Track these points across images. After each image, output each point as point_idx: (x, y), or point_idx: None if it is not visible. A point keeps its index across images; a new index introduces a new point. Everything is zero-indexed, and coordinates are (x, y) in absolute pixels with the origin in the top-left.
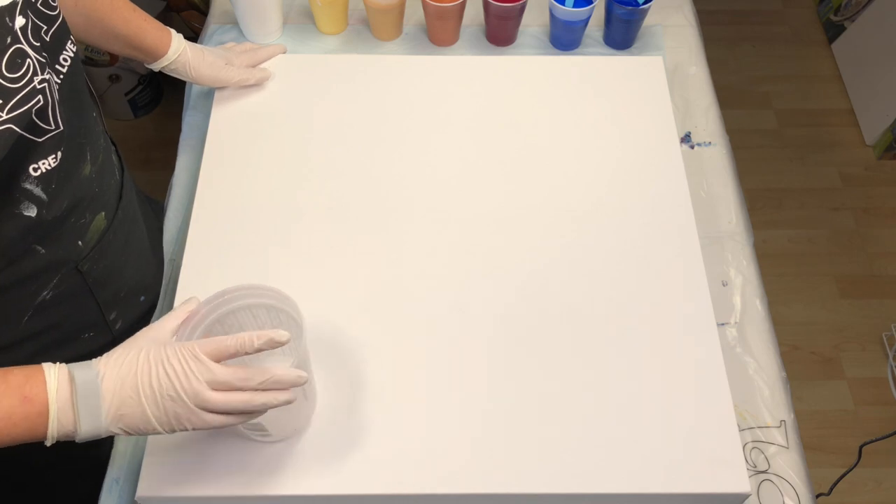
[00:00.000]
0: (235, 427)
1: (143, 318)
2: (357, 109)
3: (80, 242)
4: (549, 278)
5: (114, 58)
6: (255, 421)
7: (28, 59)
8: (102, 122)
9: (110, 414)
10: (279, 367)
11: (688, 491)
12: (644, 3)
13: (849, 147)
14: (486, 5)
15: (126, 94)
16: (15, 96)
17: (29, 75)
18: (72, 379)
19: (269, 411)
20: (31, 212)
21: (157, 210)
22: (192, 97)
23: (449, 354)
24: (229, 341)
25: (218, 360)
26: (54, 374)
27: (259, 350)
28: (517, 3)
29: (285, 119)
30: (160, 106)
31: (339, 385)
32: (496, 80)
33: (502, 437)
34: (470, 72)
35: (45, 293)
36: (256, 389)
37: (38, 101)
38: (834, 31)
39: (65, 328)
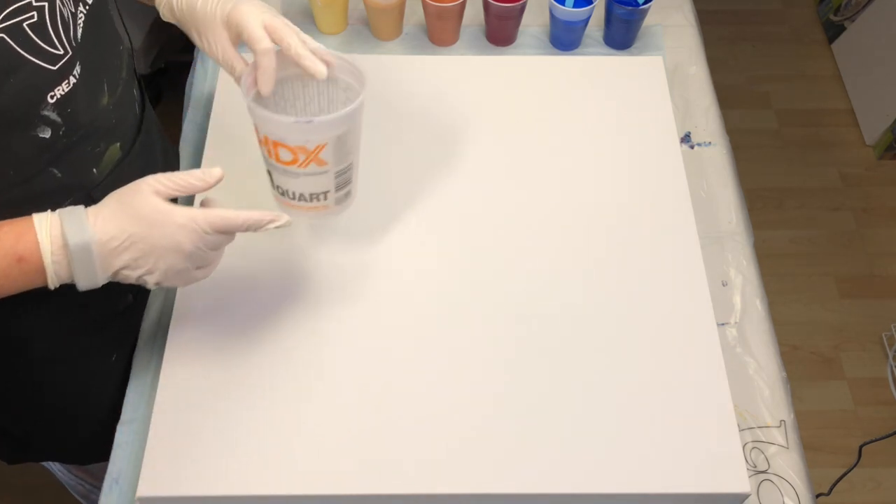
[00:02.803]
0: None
1: None
2: None
3: (94, 170)
4: (548, 278)
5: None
6: (342, 194)
7: None
8: (132, 57)
9: (108, 272)
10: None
11: (687, 491)
12: (644, 3)
13: (849, 147)
14: (486, 5)
15: None
16: (7, 8)
17: None
18: (65, 244)
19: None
20: (46, 133)
21: (174, 152)
22: (192, 97)
23: (448, 354)
24: (239, 219)
25: (223, 232)
26: (46, 233)
27: (264, 229)
28: (517, 3)
29: None
30: (159, 106)
31: (339, 386)
32: (496, 80)
33: (502, 437)
34: (470, 72)
35: None
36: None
37: (32, 16)
38: (834, 30)
39: None
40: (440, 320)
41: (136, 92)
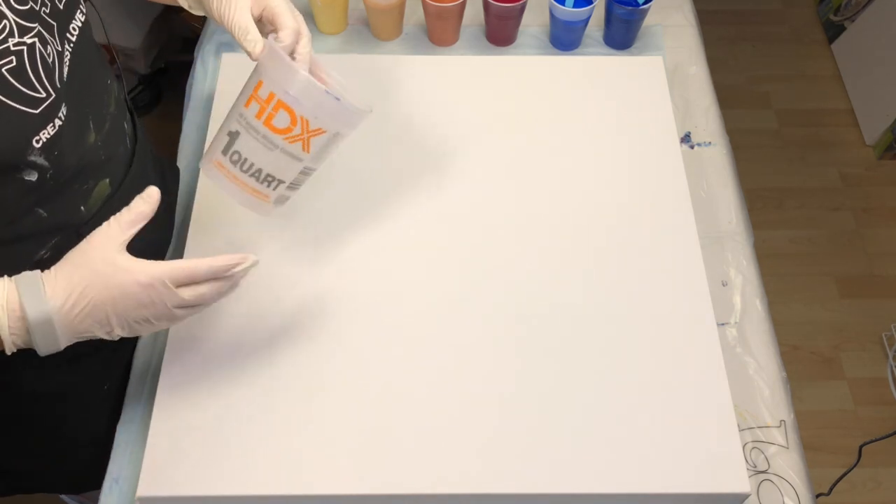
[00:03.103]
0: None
1: None
2: None
3: (82, 207)
4: (548, 278)
5: (112, 59)
6: (287, 194)
7: (4, 20)
8: (123, 89)
9: (72, 338)
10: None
11: (687, 491)
12: (644, 3)
13: (849, 147)
14: (486, 5)
15: None
16: None
17: (3, 36)
18: (23, 316)
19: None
20: (32, 177)
21: (173, 174)
22: (192, 97)
23: (448, 354)
24: (202, 267)
25: (186, 284)
26: (2, 305)
27: (232, 274)
28: (517, 3)
29: None
30: (159, 107)
31: (339, 386)
32: (496, 81)
33: (502, 437)
34: (470, 72)
35: (42, 252)
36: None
37: (11, 61)
38: (834, 31)
39: None
40: (439, 321)
41: (126, 125)
